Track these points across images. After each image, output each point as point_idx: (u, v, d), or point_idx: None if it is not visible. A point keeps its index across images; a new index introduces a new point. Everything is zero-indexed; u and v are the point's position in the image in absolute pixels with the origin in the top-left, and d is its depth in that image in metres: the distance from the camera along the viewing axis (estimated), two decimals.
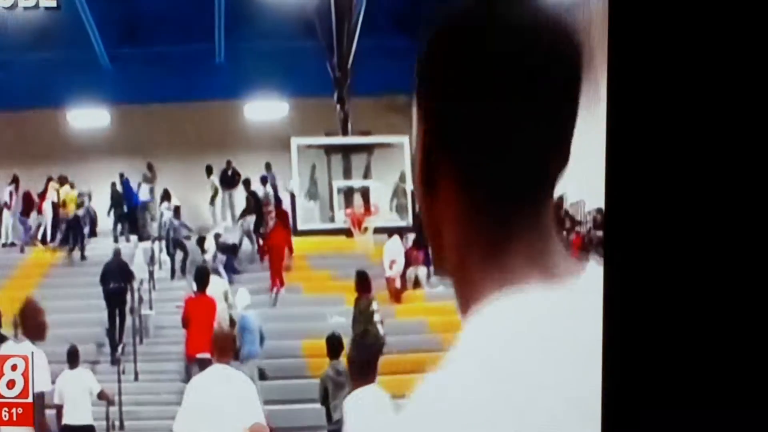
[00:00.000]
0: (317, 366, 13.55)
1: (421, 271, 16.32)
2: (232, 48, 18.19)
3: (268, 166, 17.82)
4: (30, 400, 7.07)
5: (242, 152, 19.14)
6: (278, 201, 17.92)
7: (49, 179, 18.57)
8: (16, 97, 17.92)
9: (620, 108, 0.93)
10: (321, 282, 16.01)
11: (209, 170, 18.70)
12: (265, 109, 19.42)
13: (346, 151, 12.22)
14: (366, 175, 12.32)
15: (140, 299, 15.34)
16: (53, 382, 8.76)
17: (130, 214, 18.43)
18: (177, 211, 17.50)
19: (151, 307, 15.43)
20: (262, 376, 13.20)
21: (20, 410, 7.03)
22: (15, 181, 18.46)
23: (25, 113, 18.46)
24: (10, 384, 7.00)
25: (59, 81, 17.88)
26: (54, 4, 11.51)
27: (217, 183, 18.53)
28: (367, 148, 12.26)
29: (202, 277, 12.50)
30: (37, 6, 11.45)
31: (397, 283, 15.91)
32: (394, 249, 15.66)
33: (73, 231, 17.44)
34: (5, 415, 7.05)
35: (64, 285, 16.58)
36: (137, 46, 18.09)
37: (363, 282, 12.72)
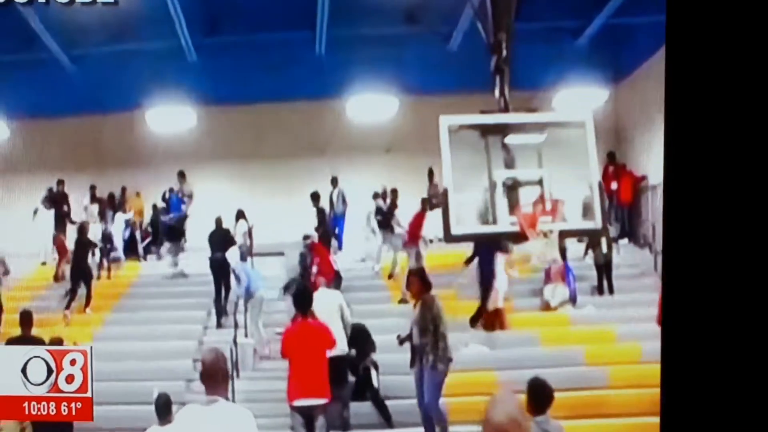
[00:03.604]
0: (460, 409, 10.98)
1: (562, 290, 13.71)
2: (334, 36, 15.91)
3: (383, 194, 15.46)
4: (89, 394, 7.09)
5: (344, 157, 16.82)
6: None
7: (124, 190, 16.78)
8: (91, 95, 15.88)
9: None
10: (445, 303, 13.55)
11: (316, 198, 16.04)
12: (370, 107, 17.02)
13: (509, 133, 9.72)
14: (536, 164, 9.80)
15: (235, 324, 13.08)
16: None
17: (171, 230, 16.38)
18: (249, 233, 15.25)
19: (247, 334, 13.09)
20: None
21: (79, 405, 7.08)
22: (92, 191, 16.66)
23: (101, 116, 16.39)
24: (69, 378, 7.00)
25: (137, 76, 15.78)
26: None
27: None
28: (537, 129, 9.75)
29: (303, 297, 9.90)
30: (94, 2, 9.82)
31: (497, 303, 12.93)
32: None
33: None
34: (64, 410, 7.06)
35: (145, 307, 14.34)
36: (226, 35, 15.91)
37: (424, 280, 9.80)
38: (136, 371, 12.08)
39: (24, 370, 6.93)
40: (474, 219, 9.77)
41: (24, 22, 14.97)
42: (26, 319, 11.30)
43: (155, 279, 15.31)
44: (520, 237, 9.76)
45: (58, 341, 10.97)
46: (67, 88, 15.95)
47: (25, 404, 6.95)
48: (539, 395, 7.11)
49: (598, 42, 16.79)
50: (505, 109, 10.26)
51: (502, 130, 9.83)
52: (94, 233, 15.02)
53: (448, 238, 9.79)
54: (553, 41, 16.47)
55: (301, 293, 10.12)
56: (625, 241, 17.41)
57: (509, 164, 9.79)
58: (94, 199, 16.67)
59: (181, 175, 16.52)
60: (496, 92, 10.68)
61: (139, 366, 12.24)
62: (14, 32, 15.24)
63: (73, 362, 7.06)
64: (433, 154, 15.92)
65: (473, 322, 12.60)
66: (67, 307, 13.82)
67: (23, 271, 15.46)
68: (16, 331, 11.40)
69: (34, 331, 11.43)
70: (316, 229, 15.08)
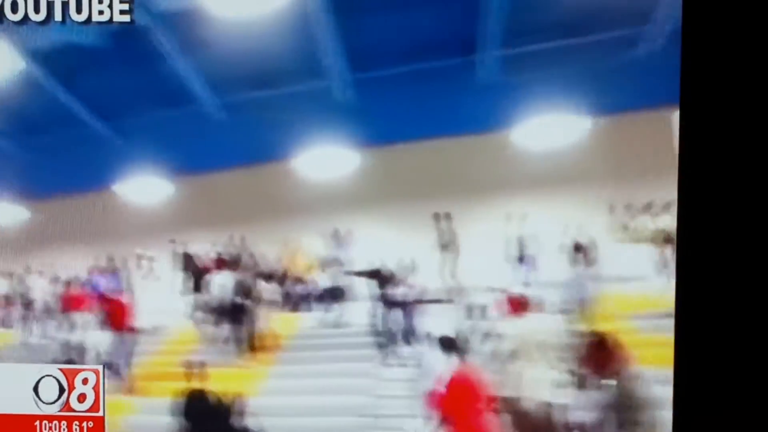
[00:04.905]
0: None
1: None
2: (499, 57, 14.41)
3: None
4: (101, 414, 7.00)
5: (522, 192, 15.03)
6: None
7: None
8: (242, 144, 15.03)
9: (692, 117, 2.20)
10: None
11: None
12: (546, 133, 15.22)
13: None
14: None
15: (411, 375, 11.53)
16: None
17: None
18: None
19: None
20: None
21: (91, 424, 6.99)
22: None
23: (253, 166, 15.51)
24: (81, 398, 7.06)
25: (289, 120, 14.78)
26: (128, 19, 9.31)
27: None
28: None
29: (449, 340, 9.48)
30: (110, 21, 9.27)
31: None
32: None
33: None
34: (76, 429, 6.99)
35: (310, 360, 13.02)
36: (377, 69, 14.72)
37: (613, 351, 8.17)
38: (304, 427, 10.95)
39: (36, 389, 6.88)
40: None
41: (172, 75, 14.48)
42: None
43: (316, 331, 14.06)
44: None
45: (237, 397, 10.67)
46: (218, 138, 15.19)
47: (37, 423, 6.82)
48: None
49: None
50: None
51: None
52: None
53: None
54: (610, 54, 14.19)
55: (446, 336, 9.62)
56: None
57: None
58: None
59: (336, 233, 15.50)
60: None
61: (307, 422, 11.10)
62: (162, 85, 14.75)
63: (85, 381, 7.05)
64: (628, 184, 13.91)
65: None
66: (237, 354, 13.21)
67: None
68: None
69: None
70: None
